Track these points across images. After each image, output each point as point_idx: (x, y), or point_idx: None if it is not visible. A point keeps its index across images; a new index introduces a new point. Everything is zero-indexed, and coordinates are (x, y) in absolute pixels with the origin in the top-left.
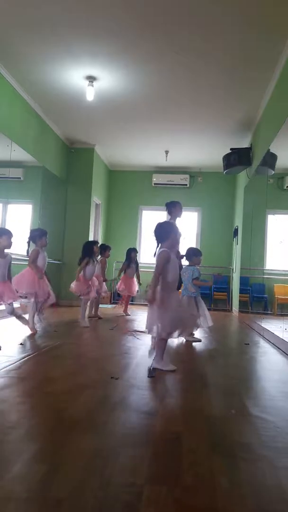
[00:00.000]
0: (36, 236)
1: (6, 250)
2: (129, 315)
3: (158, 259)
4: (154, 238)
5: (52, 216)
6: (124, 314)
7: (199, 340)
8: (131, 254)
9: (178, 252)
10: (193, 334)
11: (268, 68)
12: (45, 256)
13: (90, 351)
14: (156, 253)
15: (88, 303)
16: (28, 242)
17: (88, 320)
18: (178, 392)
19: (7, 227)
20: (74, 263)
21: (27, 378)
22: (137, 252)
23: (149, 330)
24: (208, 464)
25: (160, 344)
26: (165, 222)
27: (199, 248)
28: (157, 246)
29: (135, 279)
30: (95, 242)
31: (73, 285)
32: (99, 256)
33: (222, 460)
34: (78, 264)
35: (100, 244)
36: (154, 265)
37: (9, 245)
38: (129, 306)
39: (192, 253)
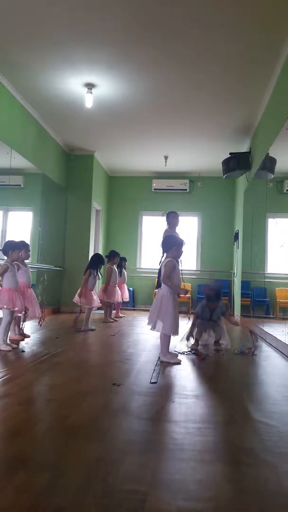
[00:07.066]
0: (14, 248)
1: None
2: (114, 321)
3: (165, 267)
4: (161, 248)
5: (53, 222)
6: (111, 320)
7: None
8: (122, 262)
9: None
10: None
11: (266, 73)
12: (28, 270)
13: (92, 358)
14: (162, 261)
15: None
16: (6, 253)
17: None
18: (180, 397)
19: (7, 234)
20: (75, 270)
21: (29, 385)
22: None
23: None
24: (211, 470)
25: (165, 339)
26: (169, 236)
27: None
28: (162, 255)
29: (125, 285)
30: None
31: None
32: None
33: (225, 466)
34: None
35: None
36: (163, 272)
37: (27, 257)
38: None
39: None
